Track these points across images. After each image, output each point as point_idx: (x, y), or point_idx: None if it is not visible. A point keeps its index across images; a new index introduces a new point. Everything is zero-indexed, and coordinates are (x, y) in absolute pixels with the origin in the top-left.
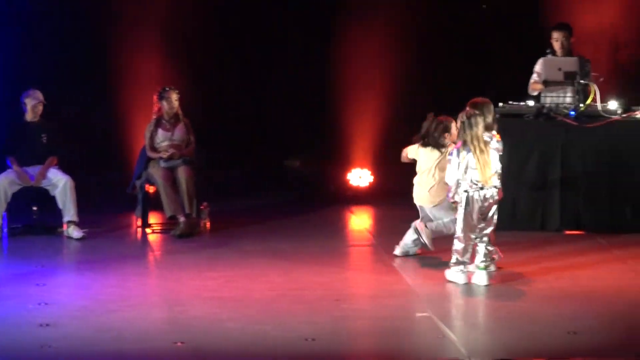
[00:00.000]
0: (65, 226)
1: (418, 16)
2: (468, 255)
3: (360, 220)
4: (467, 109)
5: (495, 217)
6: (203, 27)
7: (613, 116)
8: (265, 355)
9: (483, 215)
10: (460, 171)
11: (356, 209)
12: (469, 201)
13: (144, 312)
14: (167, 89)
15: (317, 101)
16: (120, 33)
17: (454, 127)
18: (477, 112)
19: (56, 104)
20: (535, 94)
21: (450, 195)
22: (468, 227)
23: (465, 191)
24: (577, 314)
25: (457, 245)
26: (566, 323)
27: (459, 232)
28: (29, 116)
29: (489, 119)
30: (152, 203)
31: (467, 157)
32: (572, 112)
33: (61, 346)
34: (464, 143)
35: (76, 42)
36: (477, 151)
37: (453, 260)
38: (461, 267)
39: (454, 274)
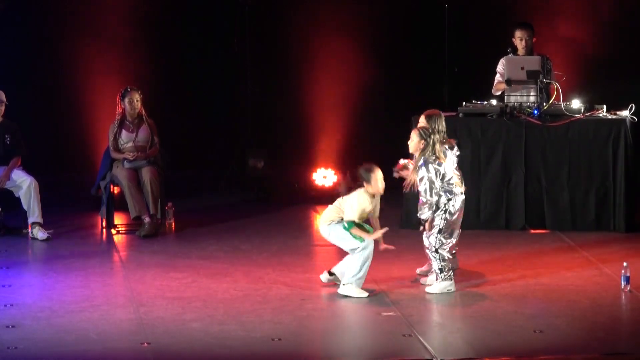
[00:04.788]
0: (30, 227)
1: (379, 17)
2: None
3: None
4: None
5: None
6: (166, 25)
7: (576, 115)
8: (230, 356)
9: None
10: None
11: (321, 209)
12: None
13: (108, 312)
14: (129, 89)
15: (282, 101)
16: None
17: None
18: (430, 124)
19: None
20: (499, 94)
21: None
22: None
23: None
24: (543, 312)
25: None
26: (532, 322)
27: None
28: None
29: (443, 128)
30: (117, 204)
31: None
32: (536, 111)
33: (26, 347)
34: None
35: (33, 39)
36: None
37: (447, 274)
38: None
39: (448, 284)
